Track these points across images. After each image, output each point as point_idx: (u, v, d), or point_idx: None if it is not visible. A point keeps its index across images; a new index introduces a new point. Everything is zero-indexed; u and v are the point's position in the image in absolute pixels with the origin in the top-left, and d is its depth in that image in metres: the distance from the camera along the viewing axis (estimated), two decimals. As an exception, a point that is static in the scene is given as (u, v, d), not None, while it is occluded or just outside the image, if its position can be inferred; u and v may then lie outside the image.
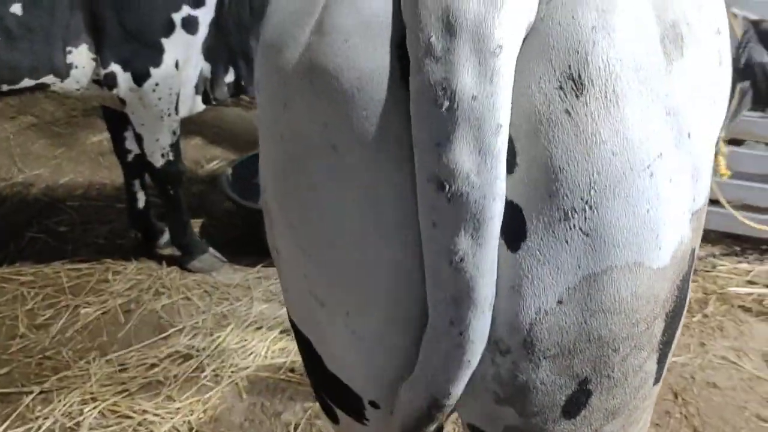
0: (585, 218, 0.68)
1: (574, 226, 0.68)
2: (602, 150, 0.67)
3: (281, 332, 2.54)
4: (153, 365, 2.39)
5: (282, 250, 0.85)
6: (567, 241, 0.69)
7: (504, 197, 0.67)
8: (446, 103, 0.64)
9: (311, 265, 0.80)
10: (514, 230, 0.69)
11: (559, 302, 0.71)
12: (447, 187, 0.66)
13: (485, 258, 0.68)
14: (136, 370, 2.36)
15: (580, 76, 0.66)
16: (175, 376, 2.33)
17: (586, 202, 0.67)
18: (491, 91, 0.64)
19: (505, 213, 0.68)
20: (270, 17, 0.82)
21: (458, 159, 0.65)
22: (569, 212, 0.68)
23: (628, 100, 0.67)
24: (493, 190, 0.66)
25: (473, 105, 0.64)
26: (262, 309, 2.68)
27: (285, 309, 2.65)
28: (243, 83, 2.85)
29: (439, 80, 0.64)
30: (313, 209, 0.76)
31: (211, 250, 2.94)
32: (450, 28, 0.64)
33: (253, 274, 2.89)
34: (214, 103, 2.85)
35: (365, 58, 0.70)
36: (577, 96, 0.66)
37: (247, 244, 3.03)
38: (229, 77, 2.81)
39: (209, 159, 3.80)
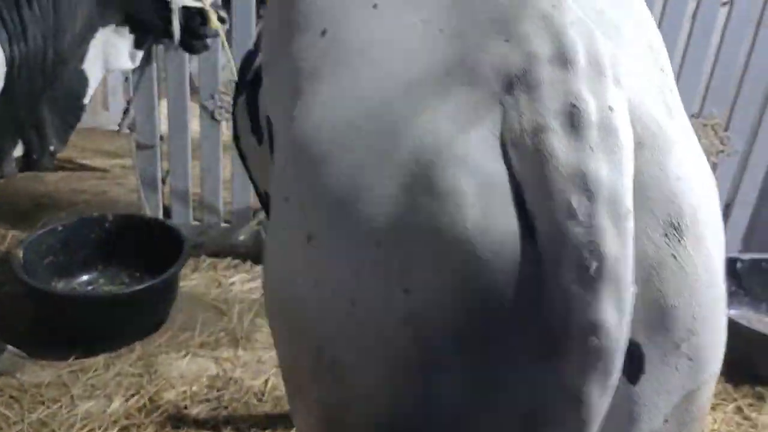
0: (690, 345, 0.77)
1: (683, 353, 0.77)
2: (700, 285, 0.76)
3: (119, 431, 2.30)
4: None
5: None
6: (677, 368, 0.77)
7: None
8: (594, 264, 0.68)
9: None
10: (635, 365, 0.75)
11: (665, 421, 0.79)
12: (593, 341, 0.69)
13: (603, 406, 0.72)
14: None
15: (679, 224, 0.75)
16: (-1, 507, 2.00)
17: (691, 331, 0.76)
18: (626, 254, 0.70)
19: (627, 350, 0.73)
20: (317, 160, 0.79)
21: (605, 316, 0.69)
22: (679, 342, 0.76)
23: (707, 237, 0.77)
24: (622, 344, 0.71)
25: (616, 266, 0.69)
26: (87, 408, 2.39)
27: (115, 405, 2.43)
28: (34, 157, 2.55)
29: (585, 242, 0.68)
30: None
31: (9, 347, 2.56)
32: (589, 193, 0.68)
33: (66, 369, 2.57)
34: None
35: (494, 222, 0.70)
36: (679, 241, 0.75)
37: (49, 333, 2.69)
38: (18, 151, 2.50)
39: (-23, 237, 3.32)
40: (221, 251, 3.36)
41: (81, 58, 2.48)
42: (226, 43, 2.68)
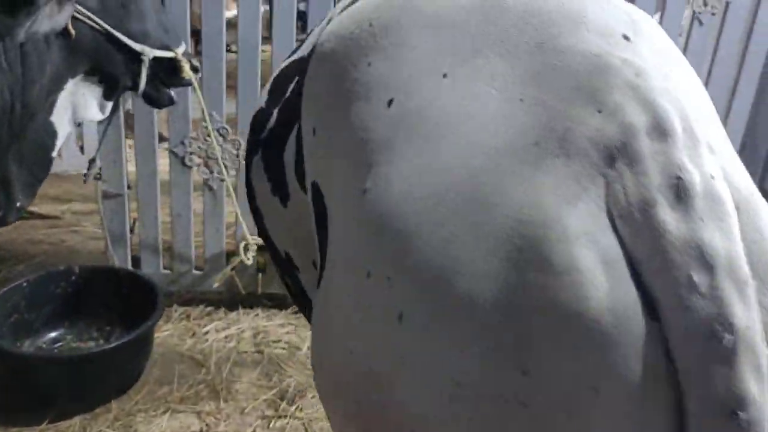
0: None
1: None
2: None
3: (105, 499, 2.20)
4: None
5: None
6: None
7: None
8: (727, 336, 0.67)
9: None
10: None
11: None
12: (740, 415, 0.68)
13: None
14: None
15: None
16: None
17: None
18: (754, 318, 0.69)
19: None
20: (404, 234, 0.77)
21: (747, 387, 0.68)
22: None
23: None
24: (767, 411, 0.70)
25: (747, 334, 0.68)
26: (67, 475, 2.28)
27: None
28: (1, 213, 2.44)
29: (713, 315, 0.67)
30: None
31: (-23, 415, 2.43)
32: (708, 265, 0.68)
33: (40, 435, 2.45)
34: (-36, 239, 2.39)
35: (617, 297, 0.69)
36: None
37: (19, 398, 2.56)
38: (-17, 208, 2.39)
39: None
40: (193, 299, 3.28)
41: (49, 110, 2.40)
42: (199, 91, 2.63)
